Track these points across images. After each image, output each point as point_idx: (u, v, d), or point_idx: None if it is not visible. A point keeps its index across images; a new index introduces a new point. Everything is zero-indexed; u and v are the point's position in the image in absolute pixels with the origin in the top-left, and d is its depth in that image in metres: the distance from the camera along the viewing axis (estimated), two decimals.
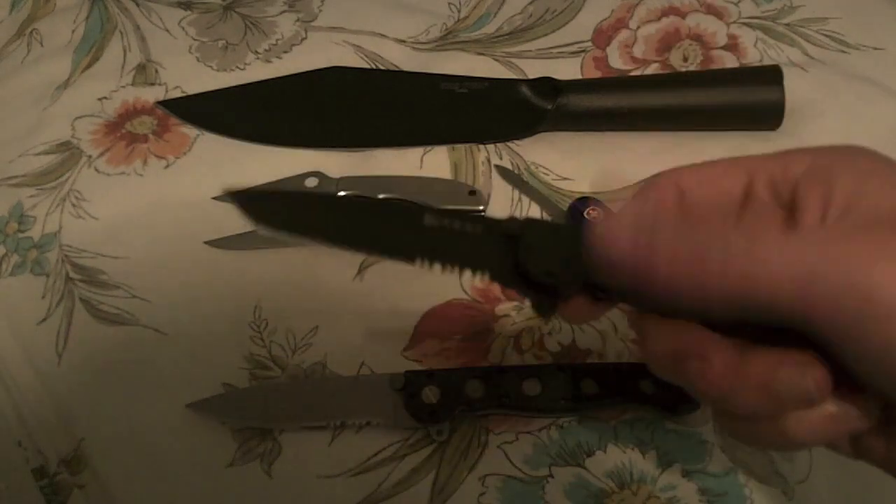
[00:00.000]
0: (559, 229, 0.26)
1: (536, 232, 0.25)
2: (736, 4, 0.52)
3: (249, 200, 0.27)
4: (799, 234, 0.22)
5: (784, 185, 0.24)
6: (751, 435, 0.25)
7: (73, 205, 0.47)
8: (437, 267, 0.27)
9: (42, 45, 0.56)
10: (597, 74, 0.51)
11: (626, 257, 0.23)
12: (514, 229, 0.26)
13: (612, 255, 0.23)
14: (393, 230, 0.27)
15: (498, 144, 0.48)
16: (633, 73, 0.50)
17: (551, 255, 0.25)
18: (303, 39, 0.54)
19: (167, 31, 0.56)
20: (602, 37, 0.52)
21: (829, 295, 0.20)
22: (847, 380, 0.22)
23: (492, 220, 0.26)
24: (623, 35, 0.52)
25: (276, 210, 0.28)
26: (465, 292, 0.42)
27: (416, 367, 0.40)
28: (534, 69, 0.51)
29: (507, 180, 0.46)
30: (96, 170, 0.49)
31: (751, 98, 0.45)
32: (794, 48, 0.50)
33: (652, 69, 0.50)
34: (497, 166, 0.47)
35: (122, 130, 0.51)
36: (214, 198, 0.47)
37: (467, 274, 0.27)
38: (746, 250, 0.21)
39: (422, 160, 0.48)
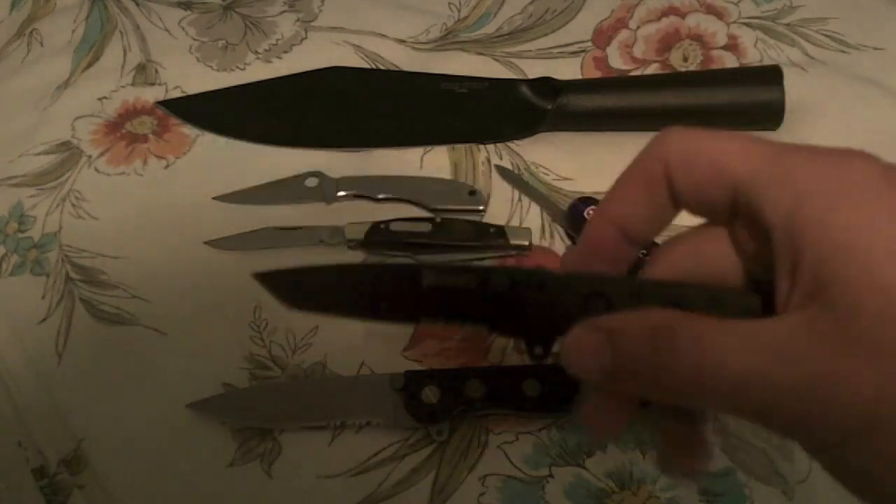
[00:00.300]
0: (545, 281, 0.26)
1: (523, 285, 0.26)
2: (736, 4, 0.52)
3: (276, 282, 0.29)
4: (763, 339, 0.21)
5: (764, 225, 0.22)
6: None
7: (73, 205, 0.47)
8: (440, 323, 0.28)
9: (42, 45, 0.56)
10: (597, 74, 0.51)
11: (593, 377, 0.24)
12: (503, 284, 0.26)
13: (580, 374, 0.24)
14: (394, 295, 0.28)
15: (498, 144, 0.48)
16: (633, 73, 0.50)
17: (537, 308, 0.26)
18: (303, 39, 0.54)
19: (167, 31, 0.56)
20: (602, 37, 0.52)
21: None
22: None
23: (485, 273, 0.27)
24: (623, 35, 0.52)
25: (292, 288, 0.29)
26: None
27: (416, 367, 0.40)
28: (534, 69, 0.51)
29: (507, 180, 0.46)
30: (96, 170, 0.49)
31: (751, 98, 0.45)
32: (794, 48, 0.50)
33: (652, 69, 0.50)
34: (497, 166, 0.47)
35: (122, 130, 0.51)
36: (214, 198, 0.47)
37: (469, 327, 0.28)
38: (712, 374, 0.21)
39: (422, 160, 0.47)
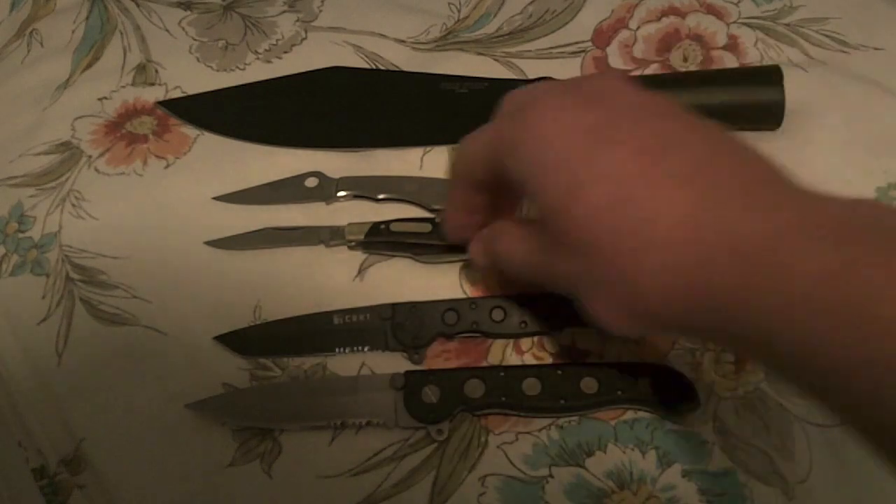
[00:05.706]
0: (417, 308, 0.40)
1: (400, 313, 0.40)
2: (736, 4, 0.52)
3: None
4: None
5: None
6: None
7: (73, 205, 0.47)
8: (346, 350, 0.40)
9: (42, 45, 0.56)
10: None
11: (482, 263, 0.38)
12: (387, 313, 0.40)
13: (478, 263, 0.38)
14: (310, 335, 0.40)
15: None
16: (633, 73, 0.50)
17: (414, 327, 0.40)
18: (303, 39, 0.54)
19: (167, 31, 0.56)
20: (602, 37, 0.52)
21: None
22: None
23: (374, 309, 0.41)
24: (623, 35, 0.52)
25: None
26: (465, 292, 0.42)
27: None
28: (534, 69, 0.51)
29: None
30: (96, 170, 0.49)
31: (751, 98, 0.45)
32: (794, 48, 0.50)
33: (652, 69, 0.50)
34: None
35: (122, 130, 0.51)
36: (214, 198, 0.47)
37: (365, 350, 0.40)
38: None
39: (422, 160, 0.48)
